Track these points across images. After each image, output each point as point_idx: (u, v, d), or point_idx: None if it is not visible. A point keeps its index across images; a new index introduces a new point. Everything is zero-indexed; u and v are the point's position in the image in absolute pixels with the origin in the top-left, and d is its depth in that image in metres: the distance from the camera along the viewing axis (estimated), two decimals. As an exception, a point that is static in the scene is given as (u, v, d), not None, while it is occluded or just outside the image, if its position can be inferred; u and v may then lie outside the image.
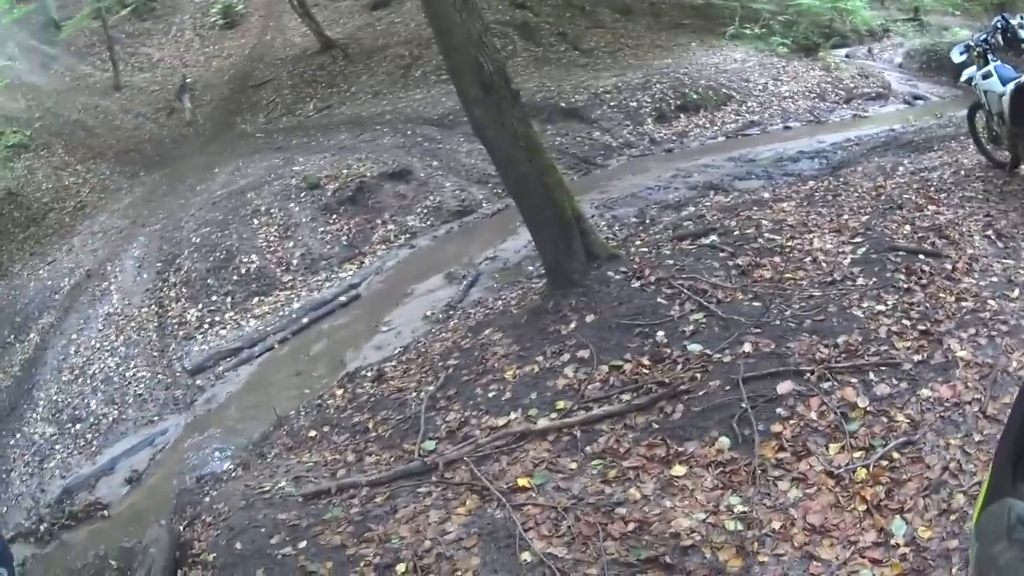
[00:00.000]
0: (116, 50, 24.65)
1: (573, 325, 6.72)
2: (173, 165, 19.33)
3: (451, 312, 9.18)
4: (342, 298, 10.53)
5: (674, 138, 15.33)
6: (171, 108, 22.67)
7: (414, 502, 5.19)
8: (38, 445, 9.37)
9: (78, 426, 9.83)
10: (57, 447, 9.58)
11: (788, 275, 6.65)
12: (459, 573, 4.54)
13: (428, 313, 9.45)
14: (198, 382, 9.71)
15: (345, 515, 5.26)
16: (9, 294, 13.79)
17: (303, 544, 5.09)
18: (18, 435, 9.72)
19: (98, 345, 11.03)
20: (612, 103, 15.87)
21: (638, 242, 8.31)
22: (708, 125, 15.83)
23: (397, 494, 5.35)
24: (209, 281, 11.28)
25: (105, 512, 8.24)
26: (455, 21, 6.99)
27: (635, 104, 15.91)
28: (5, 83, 20.51)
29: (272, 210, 12.32)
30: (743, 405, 5.18)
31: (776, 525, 4.35)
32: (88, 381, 10.46)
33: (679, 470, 4.92)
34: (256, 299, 10.95)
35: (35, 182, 19.85)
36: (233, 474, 7.01)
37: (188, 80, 23.11)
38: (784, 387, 5.22)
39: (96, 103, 23.30)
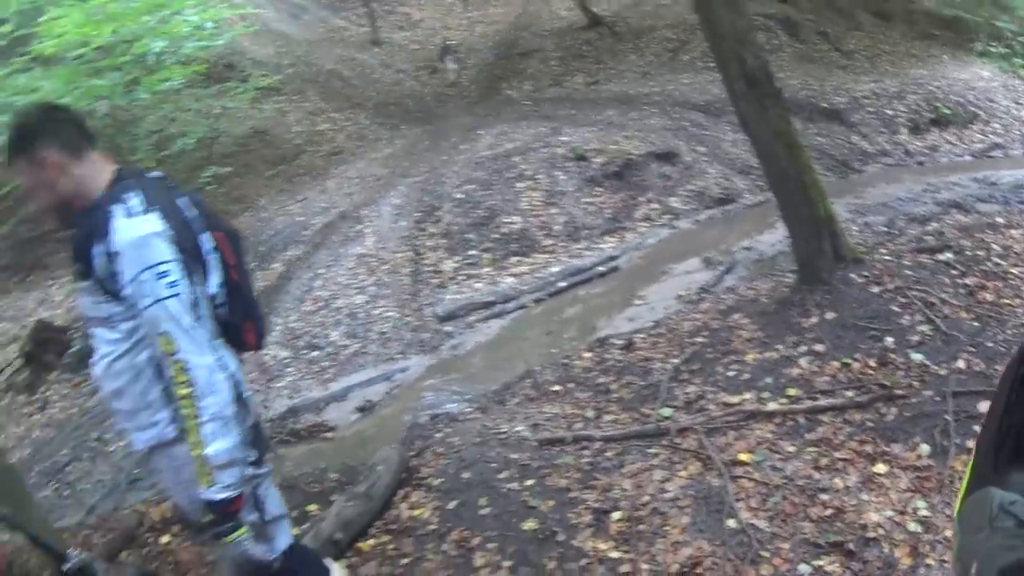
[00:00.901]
0: (373, 7, 25.48)
1: (814, 320, 7.00)
2: (435, 123, 19.81)
3: (704, 295, 9.21)
4: (600, 268, 10.61)
5: (926, 152, 15.09)
6: (433, 67, 23.25)
7: (641, 460, 5.45)
8: (267, 366, 9.67)
9: (314, 353, 10.22)
10: (289, 370, 9.98)
11: (1006, 301, 6.86)
12: (668, 527, 4.78)
13: (682, 293, 9.48)
14: (447, 328, 9.94)
15: (575, 463, 5.49)
16: (255, 225, 14.35)
17: (530, 482, 5.34)
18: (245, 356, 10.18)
19: (346, 282, 11.45)
20: (870, 109, 15.68)
21: (883, 250, 8.35)
22: (956, 142, 15.54)
23: (627, 451, 5.60)
24: (469, 236, 11.55)
25: (329, 434, 8.54)
26: (720, 15, 7.23)
27: (891, 112, 15.71)
28: (254, 29, 21.22)
29: (538, 176, 12.52)
30: (947, 417, 5.44)
31: (948, 533, 4.48)
32: (331, 314, 10.86)
33: (881, 468, 5.17)
34: (515, 258, 11.13)
35: (285, 124, 20.61)
36: (470, 415, 7.22)
37: (451, 42, 23.64)
38: (984, 406, 5.24)
39: (352, 56, 24.07)
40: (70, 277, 15.74)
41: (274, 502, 3.83)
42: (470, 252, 11.33)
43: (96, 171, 3.45)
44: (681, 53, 19.70)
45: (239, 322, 3.61)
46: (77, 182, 3.40)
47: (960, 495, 1.65)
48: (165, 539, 6.44)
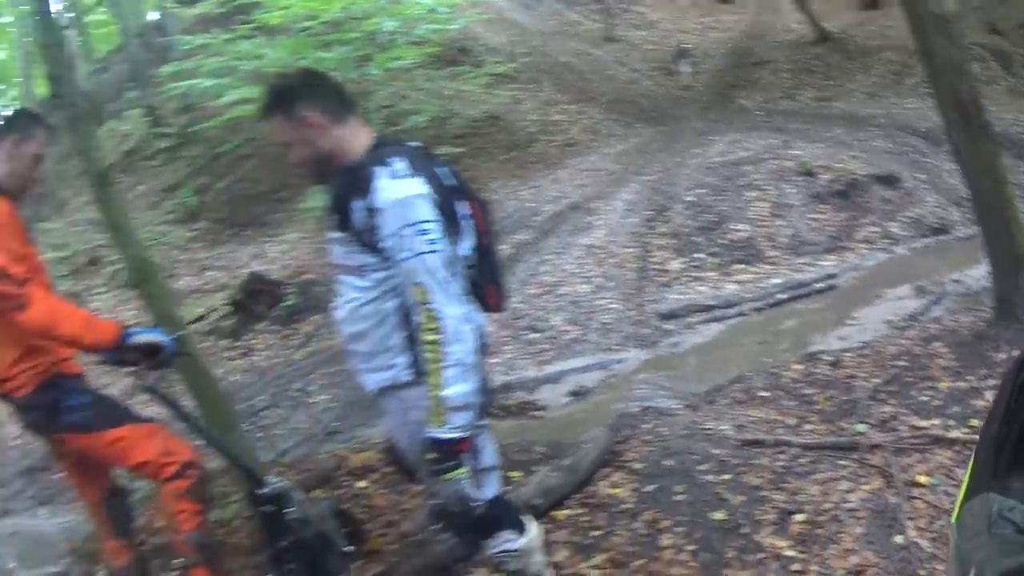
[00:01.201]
0: (609, 3, 25.89)
1: (1003, 355, 6.97)
2: (669, 124, 20.03)
3: (911, 322, 9.20)
4: (818, 285, 10.67)
5: None
6: (667, 69, 23.51)
7: (831, 470, 5.52)
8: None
9: (533, 335, 10.56)
10: (507, 348, 10.31)
11: None
12: (842, 534, 4.85)
13: (891, 318, 9.48)
14: (666, 326, 10.15)
15: (770, 464, 5.63)
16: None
17: (726, 476, 5.51)
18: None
19: (573, 271, 11.81)
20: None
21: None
22: None
23: (820, 460, 5.68)
24: (696, 239, 11.76)
25: (539, 413, 8.81)
26: (936, 43, 7.20)
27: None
28: (488, 16, 21.69)
29: (766, 187, 12.61)
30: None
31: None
32: (554, 300, 11.20)
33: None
34: (739, 266, 11.27)
35: (519, 111, 21.14)
36: (678, 411, 7.36)
37: (686, 45, 23.77)
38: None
39: (587, 50, 24.62)
40: (286, 235, 16.38)
41: (488, 453, 4.11)
42: (696, 255, 11.55)
43: (355, 135, 3.79)
44: (905, 76, 19.53)
45: (484, 284, 3.86)
46: (337, 142, 3.74)
47: (958, 501, 1.63)
48: (362, 484, 6.82)
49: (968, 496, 1.58)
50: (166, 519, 5.33)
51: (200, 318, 13.49)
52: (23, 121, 4.68)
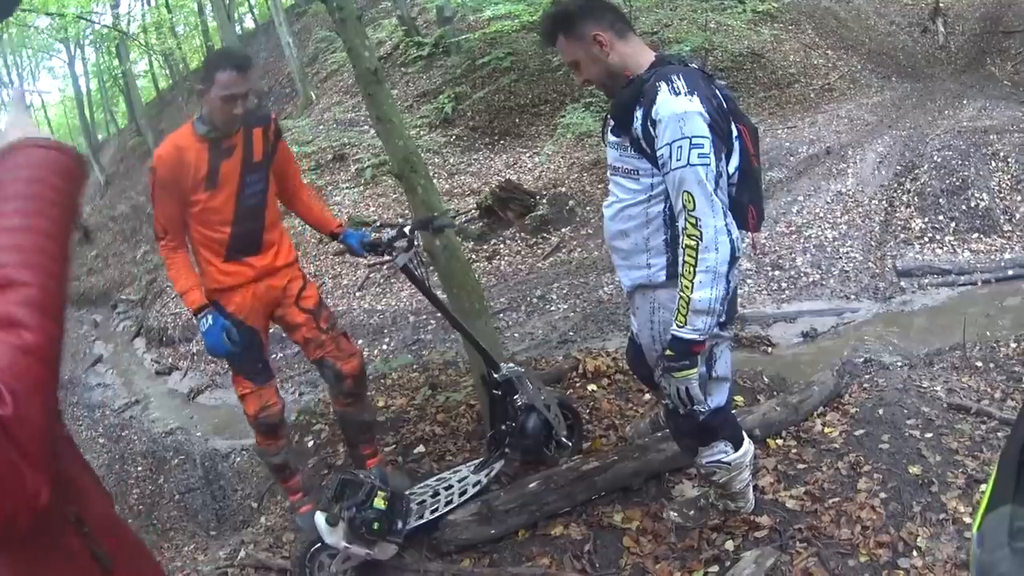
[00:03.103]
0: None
1: None
2: (923, 81, 19.81)
3: None
4: (1050, 267, 10.39)
5: None
6: (924, 27, 23.02)
7: None
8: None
9: (776, 273, 10.83)
10: (748, 281, 10.64)
11: None
12: None
13: None
14: (902, 283, 10.22)
15: (970, 432, 5.66)
16: (744, 143, 14.81)
17: (928, 435, 5.60)
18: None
19: (822, 214, 11.90)
20: None
21: None
22: None
23: None
24: (940, 201, 11.61)
25: (769, 349, 9.16)
26: None
27: None
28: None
29: (1009, 159, 12.27)
30: None
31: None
32: (801, 241, 11.38)
33: None
34: (975, 235, 11.10)
35: (781, 52, 21.07)
36: (898, 367, 7.55)
37: (941, 5, 23.12)
38: None
39: (849, -1, 23.83)
40: (542, 148, 16.82)
41: (723, 365, 4.35)
42: (938, 217, 11.42)
43: (638, 51, 4.02)
44: None
45: (745, 203, 4.03)
46: (624, 58, 3.99)
47: (980, 511, 1.63)
48: (592, 387, 7.28)
49: (989, 508, 1.59)
50: None
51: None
52: (205, 72, 5.14)
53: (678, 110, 3.65)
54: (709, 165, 3.64)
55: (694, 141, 3.63)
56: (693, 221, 3.69)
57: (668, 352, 3.98)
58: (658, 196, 3.94)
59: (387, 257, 5.47)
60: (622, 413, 6.71)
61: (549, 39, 4.16)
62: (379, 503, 5.01)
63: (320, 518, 4.99)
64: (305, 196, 5.97)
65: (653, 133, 3.78)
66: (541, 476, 5.19)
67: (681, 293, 3.82)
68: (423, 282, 5.33)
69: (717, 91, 3.89)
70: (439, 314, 6.04)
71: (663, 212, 3.96)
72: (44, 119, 51.15)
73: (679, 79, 3.72)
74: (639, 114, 3.83)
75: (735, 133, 3.89)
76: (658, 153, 3.77)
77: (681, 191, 3.71)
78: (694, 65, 3.99)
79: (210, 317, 5.37)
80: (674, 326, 3.91)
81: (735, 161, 3.91)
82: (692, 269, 3.74)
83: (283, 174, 5.71)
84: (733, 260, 3.76)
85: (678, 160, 3.66)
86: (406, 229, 5.23)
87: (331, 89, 25.01)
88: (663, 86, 3.72)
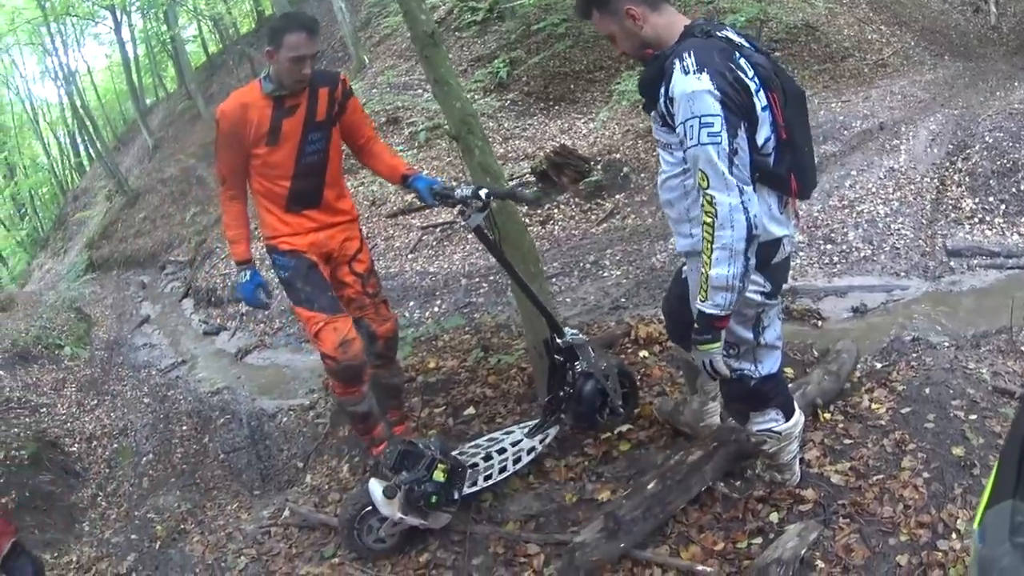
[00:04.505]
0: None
1: None
2: (975, 61, 19.72)
3: None
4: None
5: None
6: (977, 6, 23.04)
7: None
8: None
9: (828, 246, 10.78)
10: (800, 253, 10.60)
11: None
12: None
13: None
14: (951, 263, 10.17)
15: (1012, 417, 5.57)
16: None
17: (973, 417, 5.61)
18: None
19: (874, 190, 11.82)
20: None
21: None
22: None
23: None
24: (991, 182, 11.51)
25: (819, 323, 9.17)
26: None
27: None
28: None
29: (1066, 144, 12.10)
30: None
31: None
32: (853, 215, 11.31)
33: None
34: (1024, 218, 11.06)
35: (836, 25, 21.01)
36: (945, 347, 7.51)
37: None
38: None
39: (911, -25, 23.76)
40: (598, 114, 16.90)
41: (772, 332, 4.47)
42: (989, 198, 11.31)
43: (671, 22, 4.05)
44: None
45: (784, 173, 4.07)
46: (657, 31, 4.04)
47: (981, 505, 1.68)
48: (643, 353, 7.41)
49: (990, 503, 1.65)
50: None
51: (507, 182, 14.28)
52: (273, 34, 5.36)
53: (687, 89, 3.72)
54: (720, 143, 3.70)
55: (704, 120, 3.70)
56: (709, 199, 3.76)
57: (696, 325, 4.09)
58: (691, 170, 3.96)
59: (454, 212, 5.59)
60: (673, 380, 6.81)
61: (584, 13, 4.23)
62: (439, 476, 5.09)
63: (376, 488, 5.10)
64: (377, 148, 6.15)
65: (672, 111, 3.87)
66: (656, 475, 5.08)
67: (702, 269, 3.90)
68: (496, 245, 5.41)
69: (744, 60, 3.90)
70: (493, 277, 6.09)
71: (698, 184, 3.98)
72: (91, 84, 51.29)
73: (690, 56, 3.76)
74: (662, 91, 3.92)
75: (763, 104, 3.91)
76: (677, 131, 3.87)
77: (696, 169, 3.80)
78: (724, 33, 4.00)
79: (247, 272, 5.72)
80: (697, 300, 4.02)
81: (766, 132, 3.95)
82: (710, 246, 3.82)
83: (354, 129, 5.97)
84: (751, 238, 3.80)
85: (691, 139, 3.75)
86: (482, 192, 5.24)
87: (384, 53, 25.01)
88: (676, 64, 3.78)
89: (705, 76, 3.70)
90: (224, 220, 5.87)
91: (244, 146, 5.52)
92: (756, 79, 3.89)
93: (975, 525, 1.67)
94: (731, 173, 3.73)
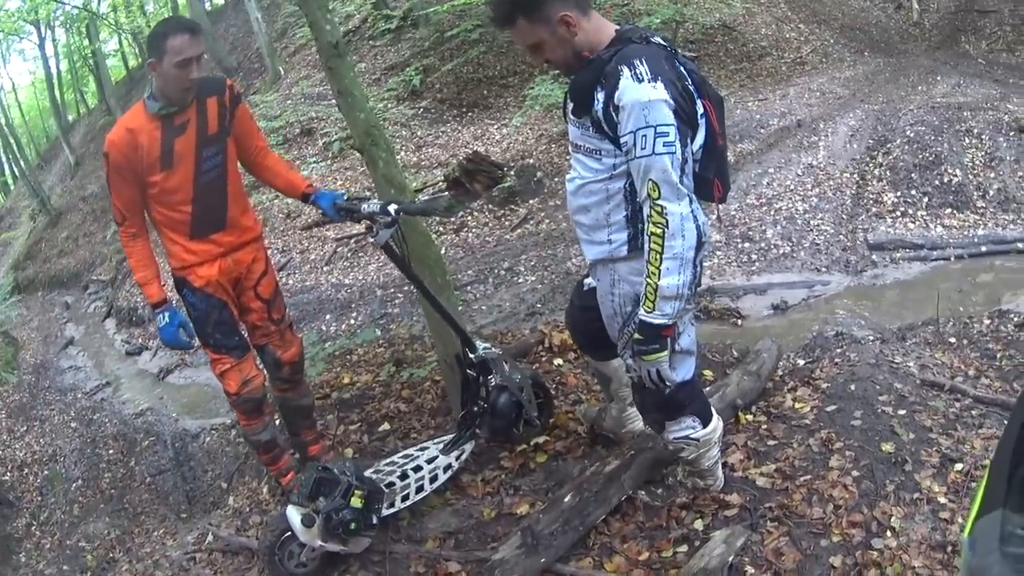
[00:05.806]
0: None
1: None
2: (896, 57, 19.90)
3: None
4: (1020, 245, 10.34)
5: None
6: (899, 3, 23.20)
7: (997, 428, 5.43)
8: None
9: (746, 245, 10.82)
10: (718, 253, 10.63)
11: None
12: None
13: None
14: (873, 257, 10.21)
15: (944, 409, 5.63)
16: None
17: (902, 412, 5.55)
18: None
19: (793, 187, 11.89)
20: None
21: None
22: None
23: (988, 415, 5.61)
24: (912, 176, 11.59)
25: (739, 322, 9.19)
26: None
27: None
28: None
29: (982, 136, 12.19)
30: None
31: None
32: (771, 213, 11.37)
33: None
34: (948, 210, 11.07)
35: (753, 25, 21.24)
36: (870, 341, 7.52)
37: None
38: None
39: (821, -28, 24.09)
40: (510, 120, 16.72)
41: (687, 337, 4.30)
42: (911, 191, 11.41)
43: (600, 27, 3.91)
44: None
45: (710, 177, 4.03)
46: (588, 36, 3.87)
47: (971, 515, 1.64)
48: (558, 361, 7.28)
49: (981, 512, 1.60)
50: None
51: (418, 191, 14.04)
52: (154, 43, 4.99)
53: (642, 98, 3.60)
54: (675, 153, 3.62)
55: (659, 130, 3.59)
56: (659, 209, 3.66)
57: (637, 336, 3.97)
58: (619, 174, 3.89)
59: (359, 227, 5.37)
60: (589, 387, 6.68)
61: (506, 22, 3.98)
62: (356, 502, 4.95)
63: (294, 516, 4.92)
64: (270, 161, 5.84)
65: (616, 119, 3.73)
66: (573, 487, 4.98)
67: (648, 280, 3.80)
68: (404, 261, 5.27)
69: (681, 68, 3.83)
70: (407, 287, 5.92)
71: (623, 188, 3.92)
72: (15, 102, 50.78)
73: (642, 64, 3.65)
74: (600, 96, 3.77)
75: (700, 111, 3.86)
76: (622, 140, 3.73)
77: (646, 179, 3.67)
78: (656, 40, 3.90)
79: (166, 315, 5.36)
80: (641, 311, 3.90)
81: (700, 139, 3.89)
82: (659, 256, 3.72)
83: (244, 139, 5.61)
84: (700, 245, 3.76)
85: (643, 149, 3.63)
86: (391, 207, 5.09)
87: (299, 63, 24.99)
88: (625, 71, 3.65)
89: (660, 85, 3.62)
90: (131, 263, 5.48)
91: (138, 176, 5.13)
92: (692, 86, 3.86)
93: (965, 535, 1.64)
94: (682, 183, 3.67)
